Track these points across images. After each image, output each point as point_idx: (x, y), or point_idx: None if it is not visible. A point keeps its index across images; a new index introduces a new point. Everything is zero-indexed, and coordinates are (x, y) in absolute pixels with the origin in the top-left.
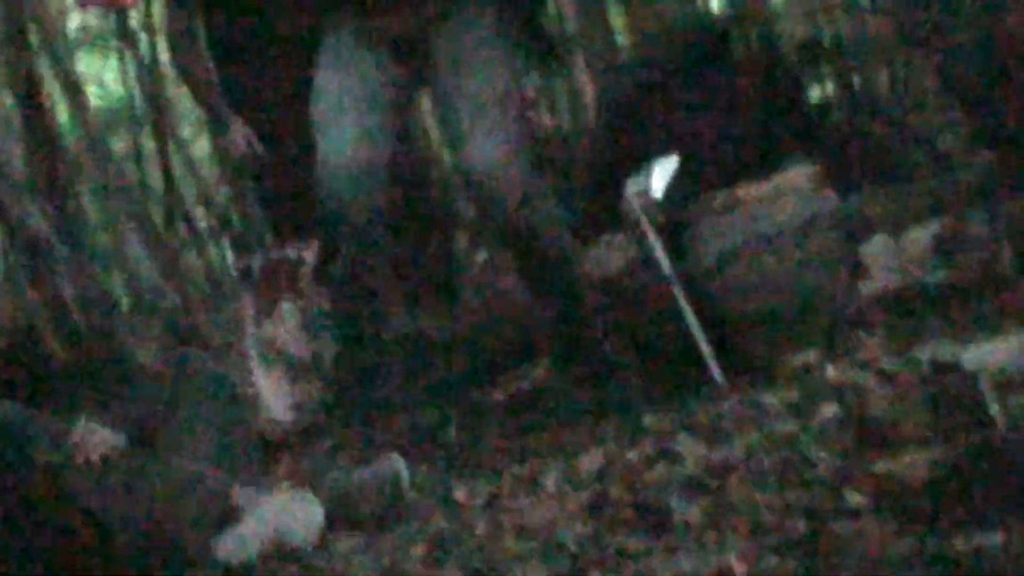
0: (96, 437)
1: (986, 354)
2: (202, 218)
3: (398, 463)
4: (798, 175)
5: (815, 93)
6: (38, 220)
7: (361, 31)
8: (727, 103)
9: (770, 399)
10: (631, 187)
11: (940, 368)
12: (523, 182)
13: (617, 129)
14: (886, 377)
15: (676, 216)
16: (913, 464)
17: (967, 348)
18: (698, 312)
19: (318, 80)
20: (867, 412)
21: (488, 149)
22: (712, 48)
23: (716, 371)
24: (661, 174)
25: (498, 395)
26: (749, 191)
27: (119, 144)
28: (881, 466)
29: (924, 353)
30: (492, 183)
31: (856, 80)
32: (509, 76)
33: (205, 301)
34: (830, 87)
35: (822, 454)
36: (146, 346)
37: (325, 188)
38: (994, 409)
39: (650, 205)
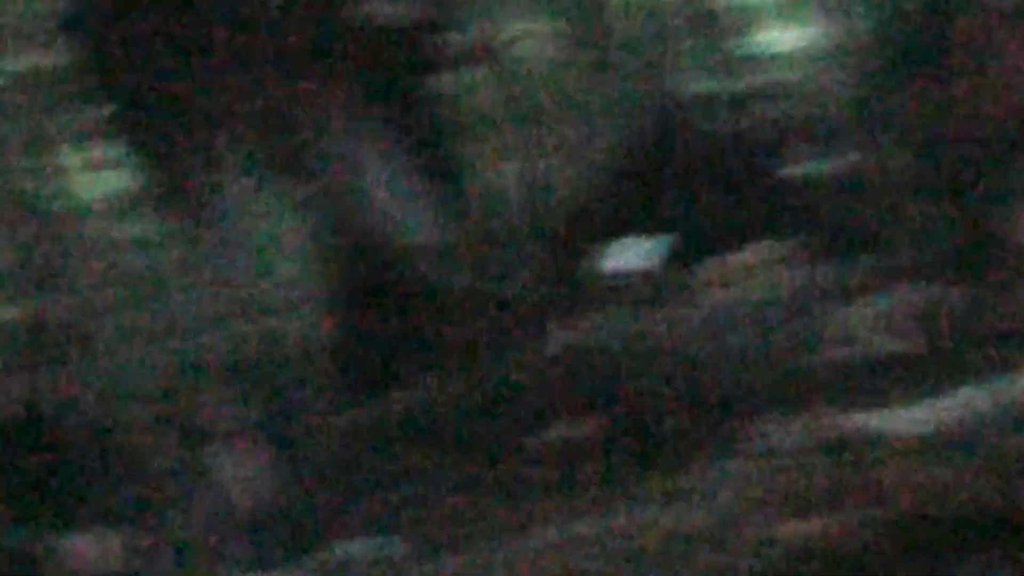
0: (92, 554)
1: (911, 420)
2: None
3: (389, 537)
4: (764, 250)
5: (788, 169)
6: (36, 308)
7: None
8: (697, 180)
9: (729, 468)
10: (609, 261)
11: (865, 434)
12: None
13: (595, 204)
14: (826, 443)
15: (650, 290)
16: (836, 528)
17: (894, 414)
18: (671, 383)
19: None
20: (795, 478)
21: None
22: (679, 127)
23: (684, 440)
24: (636, 249)
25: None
26: (717, 265)
27: (124, 230)
28: (801, 530)
29: (862, 419)
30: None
31: (829, 156)
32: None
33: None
34: (804, 163)
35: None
36: (143, 429)
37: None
38: (916, 474)
39: (626, 278)
